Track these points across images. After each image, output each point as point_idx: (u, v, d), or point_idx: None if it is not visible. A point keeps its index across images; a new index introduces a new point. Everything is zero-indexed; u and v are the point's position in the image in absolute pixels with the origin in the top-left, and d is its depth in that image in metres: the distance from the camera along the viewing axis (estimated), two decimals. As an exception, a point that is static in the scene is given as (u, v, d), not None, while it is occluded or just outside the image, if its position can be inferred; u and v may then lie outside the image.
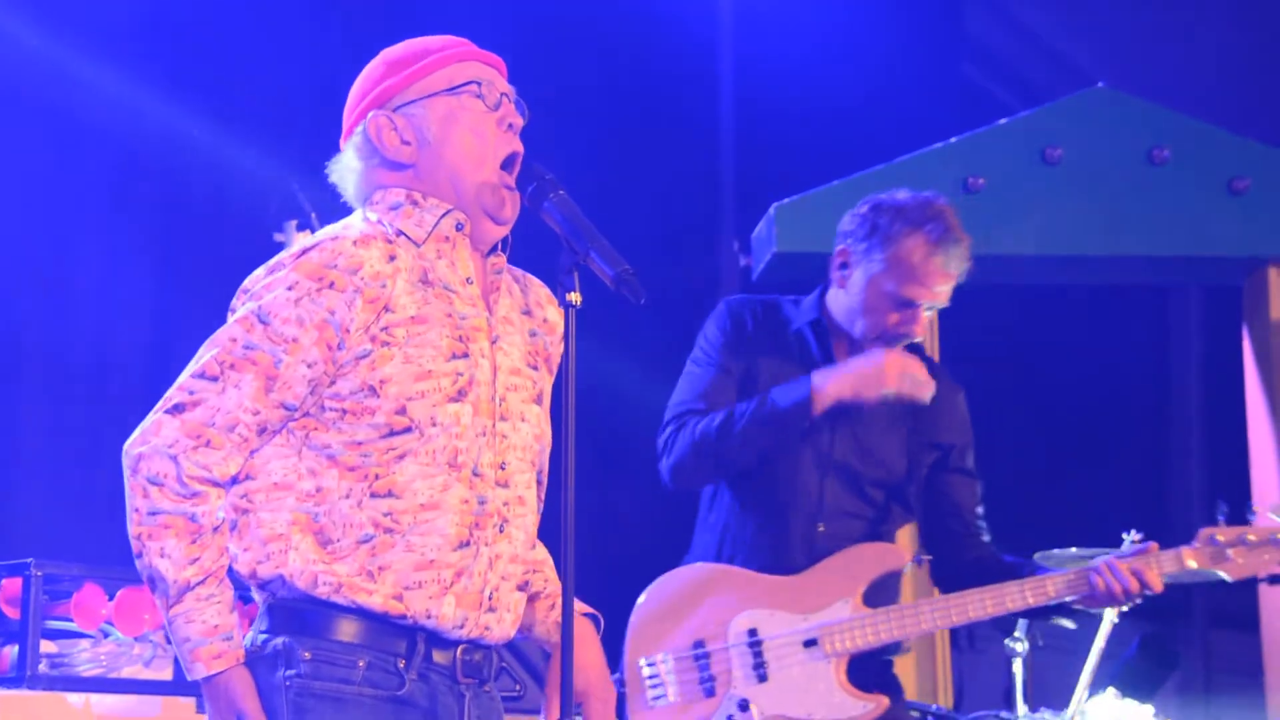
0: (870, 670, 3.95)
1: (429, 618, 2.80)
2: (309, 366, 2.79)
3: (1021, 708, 4.64)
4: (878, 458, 4.00)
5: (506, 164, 2.92)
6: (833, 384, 3.88)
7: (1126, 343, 7.56)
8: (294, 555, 2.78)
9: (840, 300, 4.05)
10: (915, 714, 4.76)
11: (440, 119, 2.91)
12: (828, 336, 4.05)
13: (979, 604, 3.91)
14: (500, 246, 2.96)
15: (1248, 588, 5.75)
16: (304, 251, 2.84)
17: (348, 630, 2.79)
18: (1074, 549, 4.65)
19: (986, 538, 4.11)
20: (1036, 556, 4.54)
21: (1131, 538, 4.20)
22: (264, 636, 2.81)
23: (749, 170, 6.67)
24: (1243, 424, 5.91)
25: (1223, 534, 3.93)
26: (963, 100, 6.79)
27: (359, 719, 2.78)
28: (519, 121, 2.94)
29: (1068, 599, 3.91)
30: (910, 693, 5.36)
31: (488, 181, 2.91)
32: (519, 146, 2.94)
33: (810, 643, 3.87)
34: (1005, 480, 4.21)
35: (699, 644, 3.90)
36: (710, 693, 3.85)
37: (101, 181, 5.97)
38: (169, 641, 2.91)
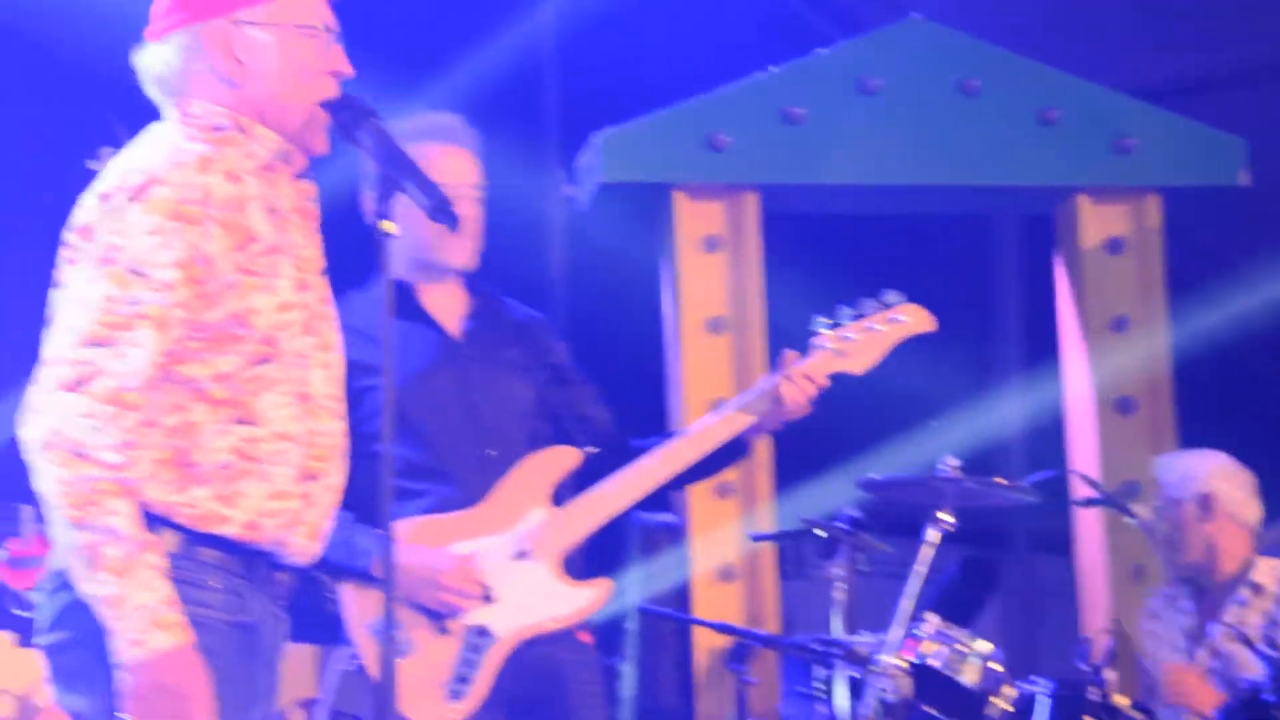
0: (582, 565, 4.07)
1: (278, 545, 2.82)
2: (185, 309, 2.75)
3: (841, 631, 4.70)
4: (507, 382, 4.10)
5: (324, 104, 2.91)
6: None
7: (950, 271, 7.66)
8: (152, 484, 2.74)
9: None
10: (740, 639, 4.82)
11: (281, 50, 2.87)
12: (411, 292, 4.08)
13: (662, 463, 4.02)
14: (310, 175, 2.96)
15: (1063, 512, 5.88)
16: (146, 185, 2.75)
17: (204, 552, 2.77)
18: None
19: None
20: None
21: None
22: None
23: (572, 100, 6.63)
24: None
25: (830, 339, 4.16)
26: (784, 29, 6.80)
27: (214, 645, 2.76)
28: (349, 71, 2.93)
29: (751, 425, 4.06)
30: (737, 619, 5.42)
31: (309, 118, 2.90)
32: (338, 91, 2.92)
33: (521, 554, 3.95)
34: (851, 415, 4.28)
35: None
36: (444, 630, 3.89)
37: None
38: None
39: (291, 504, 2.83)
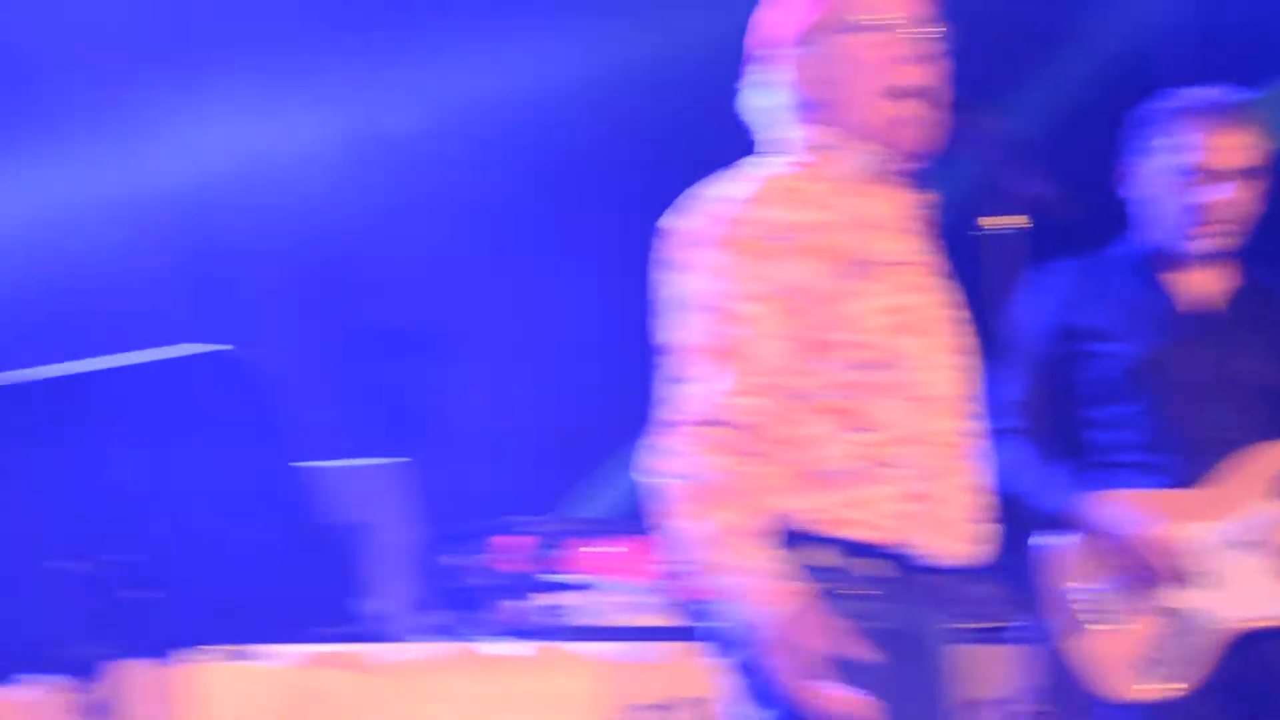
0: None
1: (914, 547, 2.85)
2: (777, 335, 2.83)
3: None
4: (1254, 363, 3.98)
5: (919, 93, 2.89)
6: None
7: None
8: (783, 496, 2.80)
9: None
10: None
11: (841, 57, 2.91)
12: (1149, 269, 4.02)
13: None
14: (924, 181, 2.97)
15: None
16: (735, 225, 2.83)
17: (856, 564, 2.81)
18: None
19: None
20: None
21: None
22: None
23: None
24: None
25: None
26: None
27: (872, 655, 2.78)
28: (925, 53, 2.90)
29: None
30: None
31: (892, 117, 2.90)
32: (925, 79, 2.90)
33: (1250, 544, 3.87)
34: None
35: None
36: (1156, 610, 3.85)
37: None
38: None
39: (923, 505, 2.85)
